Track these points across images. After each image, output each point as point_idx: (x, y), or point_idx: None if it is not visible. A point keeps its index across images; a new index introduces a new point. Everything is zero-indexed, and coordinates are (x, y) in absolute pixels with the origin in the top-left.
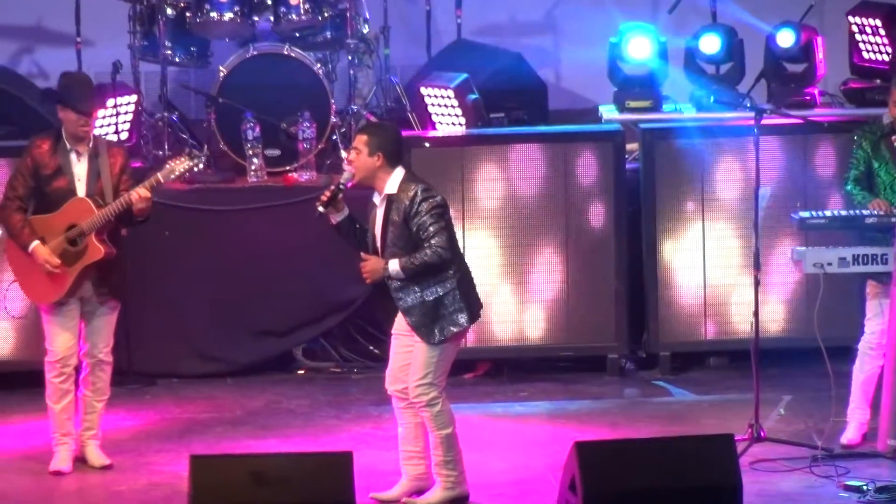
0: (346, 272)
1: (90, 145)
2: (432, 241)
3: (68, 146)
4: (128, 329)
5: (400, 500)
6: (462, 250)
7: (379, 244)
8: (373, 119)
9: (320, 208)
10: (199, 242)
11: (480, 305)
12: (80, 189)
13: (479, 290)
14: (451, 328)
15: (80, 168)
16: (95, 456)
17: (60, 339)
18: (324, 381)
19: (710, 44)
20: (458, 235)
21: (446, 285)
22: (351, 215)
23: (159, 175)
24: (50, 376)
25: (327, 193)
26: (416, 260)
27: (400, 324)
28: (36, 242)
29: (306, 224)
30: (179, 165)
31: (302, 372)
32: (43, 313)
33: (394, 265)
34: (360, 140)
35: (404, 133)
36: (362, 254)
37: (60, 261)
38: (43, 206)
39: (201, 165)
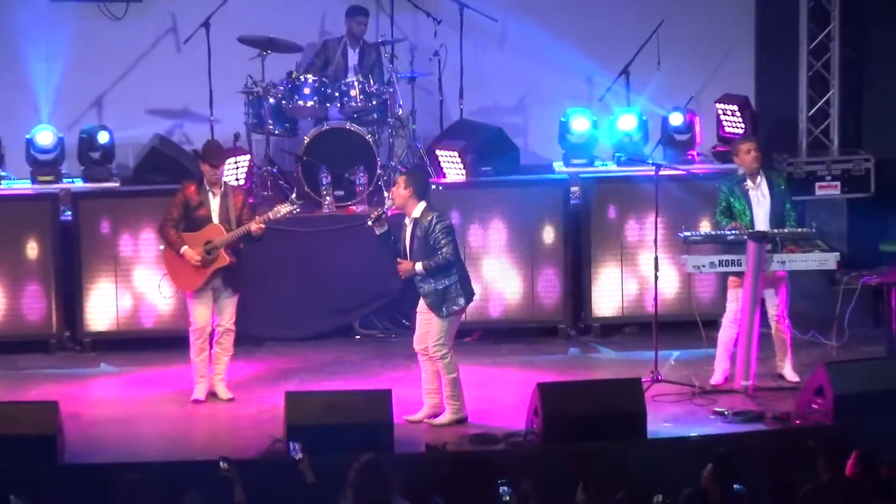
0: (387, 271)
1: (221, 189)
2: (443, 250)
3: (207, 188)
4: (245, 307)
5: (422, 421)
6: (463, 256)
7: (407, 251)
8: (404, 170)
9: (369, 223)
10: (292, 251)
11: (473, 292)
12: (215, 217)
13: (473, 282)
14: (454, 307)
15: (214, 203)
16: (223, 392)
17: (199, 315)
18: (373, 343)
19: (628, 121)
20: (460, 246)
21: (451, 279)
22: (389, 230)
23: (269, 214)
24: (192, 339)
25: (375, 214)
26: (433, 262)
27: (421, 304)
28: (186, 247)
29: (362, 239)
30: (283, 209)
31: (358, 337)
32: (187, 298)
33: (419, 266)
34: (401, 179)
35: None
36: (398, 259)
37: (200, 265)
38: (189, 228)
39: (298, 210)
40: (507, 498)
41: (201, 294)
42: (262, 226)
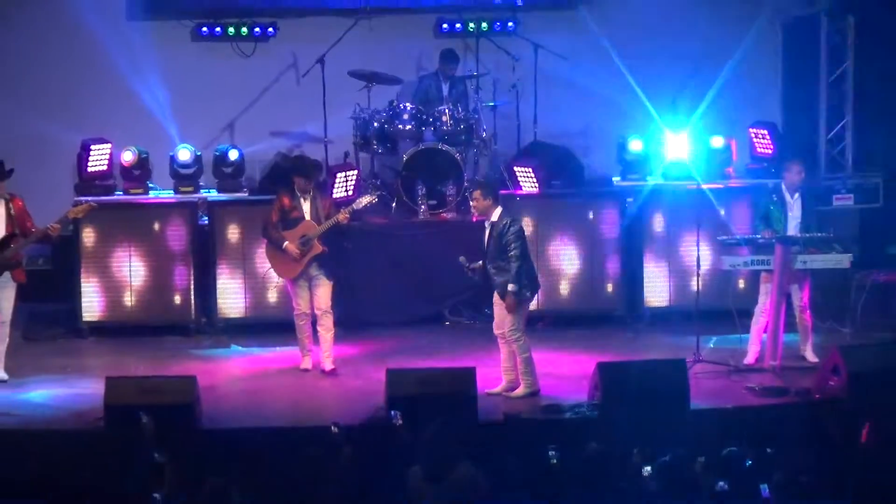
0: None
1: (311, 195)
2: (511, 251)
3: (299, 194)
4: (354, 297)
5: (501, 394)
6: (534, 255)
7: (486, 249)
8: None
9: (468, 273)
10: (393, 251)
11: (538, 285)
12: (307, 216)
13: (543, 276)
14: (520, 297)
15: (305, 206)
16: (329, 366)
17: (300, 300)
18: (460, 328)
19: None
20: (532, 246)
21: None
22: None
23: (353, 205)
24: (297, 322)
25: (470, 266)
26: (511, 267)
27: (496, 296)
28: (287, 241)
29: (452, 240)
30: (364, 200)
31: (448, 323)
32: (288, 286)
33: (511, 286)
34: (478, 193)
35: (504, 192)
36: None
37: (298, 256)
38: (286, 227)
39: (376, 200)
40: (555, 461)
41: (299, 283)
42: (348, 216)
